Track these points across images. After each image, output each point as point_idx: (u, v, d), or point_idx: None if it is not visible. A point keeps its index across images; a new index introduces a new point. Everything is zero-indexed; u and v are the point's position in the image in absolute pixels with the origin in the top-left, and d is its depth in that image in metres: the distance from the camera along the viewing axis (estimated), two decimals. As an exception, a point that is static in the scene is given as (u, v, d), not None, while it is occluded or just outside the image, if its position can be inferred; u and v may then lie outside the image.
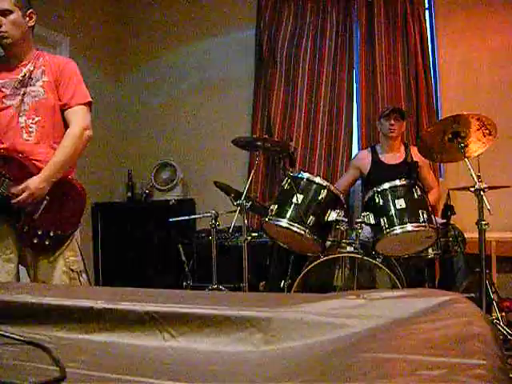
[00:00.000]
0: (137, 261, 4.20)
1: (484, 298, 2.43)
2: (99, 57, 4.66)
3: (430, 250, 2.78)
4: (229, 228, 2.71)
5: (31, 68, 2.13)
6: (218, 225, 3.14)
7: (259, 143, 2.86)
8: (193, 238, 3.93)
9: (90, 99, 2.21)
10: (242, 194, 2.73)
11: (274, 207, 2.69)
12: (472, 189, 2.44)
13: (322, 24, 4.15)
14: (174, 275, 3.93)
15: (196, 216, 3.77)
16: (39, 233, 2.04)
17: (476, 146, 2.64)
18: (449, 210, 2.67)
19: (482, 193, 2.42)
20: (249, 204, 2.76)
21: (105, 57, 4.76)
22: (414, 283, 2.87)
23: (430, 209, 2.61)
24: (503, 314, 2.58)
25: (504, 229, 3.58)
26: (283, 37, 4.23)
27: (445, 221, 2.75)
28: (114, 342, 1.16)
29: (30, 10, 2.12)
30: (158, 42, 4.78)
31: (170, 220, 3.47)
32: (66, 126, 2.17)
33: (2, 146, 2.06)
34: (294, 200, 2.61)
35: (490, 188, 2.46)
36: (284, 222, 2.61)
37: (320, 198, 2.65)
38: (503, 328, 2.40)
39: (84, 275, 2.21)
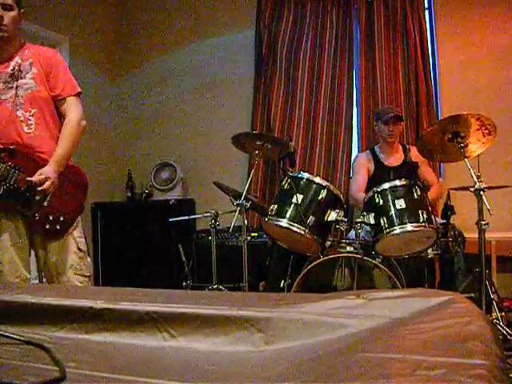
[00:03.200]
0: (137, 261, 4.20)
1: (484, 298, 2.43)
2: (99, 57, 4.67)
3: (429, 250, 2.78)
4: (229, 228, 2.71)
5: (19, 61, 2.16)
6: (218, 225, 3.14)
7: (259, 143, 2.86)
8: (193, 238, 3.93)
9: (80, 90, 2.27)
10: (242, 193, 2.73)
11: (274, 207, 2.69)
12: (472, 189, 2.44)
13: (322, 24, 4.15)
14: (174, 275, 3.94)
15: (196, 216, 3.78)
16: (50, 218, 2.11)
17: (476, 146, 2.64)
18: (449, 210, 2.68)
19: (481, 193, 2.41)
20: (248, 204, 2.76)
21: (104, 57, 4.76)
22: (414, 283, 2.86)
23: (430, 209, 2.61)
24: (503, 314, 2.58)
25: (504, 229, 3.58)
26: (283, 37, 4.23)
27: (445, 221, 2.75)
28: (113, 341, 1.16)
29: (23, 10, 2.18)
30: (158, 42, 4.78)
31: (170, 220, 3.47)
32: (59, 115, 2.23)
33: (9, 140, 2.08)
34: (294, 200, 2.61)
35: (489, 188, 2.46)
36: (284, 222, 2.61)
37: (320, 197, 2.65)
38: (503, 328, 2.39)
39: (88, 258, 2.30)
